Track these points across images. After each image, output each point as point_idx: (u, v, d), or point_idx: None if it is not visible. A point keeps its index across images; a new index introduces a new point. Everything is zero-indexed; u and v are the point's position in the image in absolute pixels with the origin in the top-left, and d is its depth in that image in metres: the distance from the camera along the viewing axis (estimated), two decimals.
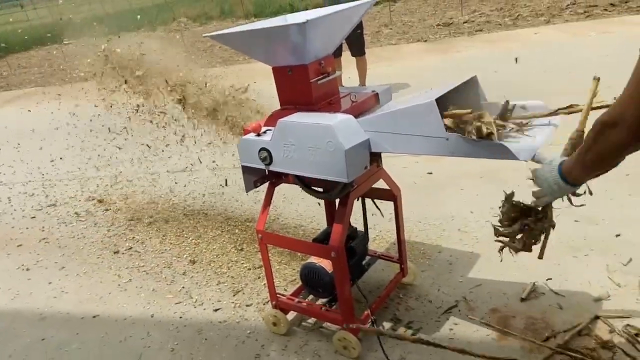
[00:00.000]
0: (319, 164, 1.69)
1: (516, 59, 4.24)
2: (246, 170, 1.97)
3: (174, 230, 3.24)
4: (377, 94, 1.96)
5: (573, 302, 2.10)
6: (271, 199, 2.08)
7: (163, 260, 2.93)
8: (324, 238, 2.14)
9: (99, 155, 4.94)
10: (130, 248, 3.11)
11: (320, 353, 2.05)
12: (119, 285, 2.74)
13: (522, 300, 2.16)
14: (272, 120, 1.90)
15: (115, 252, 3.09)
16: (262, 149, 1.83)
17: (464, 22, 9.24)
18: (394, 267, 2.44)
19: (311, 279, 2.08)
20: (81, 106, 5.50)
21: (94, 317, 2.51)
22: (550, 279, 2.26)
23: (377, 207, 2.19)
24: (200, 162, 4.38)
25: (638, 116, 0.99)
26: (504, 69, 5.59)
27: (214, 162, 4.35)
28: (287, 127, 1.73)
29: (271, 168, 1.84)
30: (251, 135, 1.89)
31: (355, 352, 1.97)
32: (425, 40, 8.36)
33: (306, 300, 2.22)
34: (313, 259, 2.08)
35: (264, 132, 1.89)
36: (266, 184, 2.07)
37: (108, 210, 3.69)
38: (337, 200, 1.91)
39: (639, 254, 2.31)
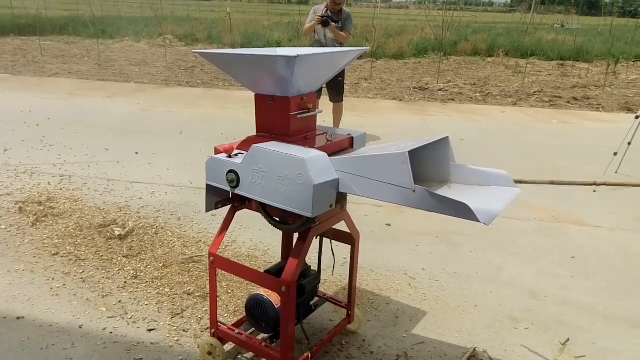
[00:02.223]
0: (286, 194, 1.69)
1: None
2: (210, 189, 1.94)
3: (121, 241, 3.11)
4: (353, 137, 2.00)
5: None
6: (230, 223, 2.05)
7: (104, 270, 2.79)
8: (276, 271, 2.10)
9: (59, 155, 4.77)
10: (71, 252, 2.95)
11: None
12: (52, 289, 2.58)
13: None
14: (245, 144, 1.90)
15: (54, 254, 2.92)
16: (231, 171, 1.82)
17: (439, 90, 9.71)
18: (341, 312, 2.43)
19: (256, 312, 2.02)
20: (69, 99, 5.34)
21: (18, 318, 2.33)
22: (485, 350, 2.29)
23: (332, 249, 2.19)
24: (161, 178, 4.30)
25: None
26: (469, 138, 5.87)
27: (176, 179, 4.28)
28: (260, 153, 1.74)
29: (237, 191, 1.82)
30: (222, 156, 1.87)
31: None
32: (401, 100, 8.70)
33: (247, 332, 2.15)
34: (262, 291, 2.04)
35: (236, 155, 1.88)
36: (227, 208, 2.04)
37: (54, 209, 3.52)
38: (296, 235, 1.90)
39: (576, 335, 2.39)
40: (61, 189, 3.93)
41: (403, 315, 2.52)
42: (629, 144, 4.35)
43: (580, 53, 13.84)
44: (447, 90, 9.64)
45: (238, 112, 6.95)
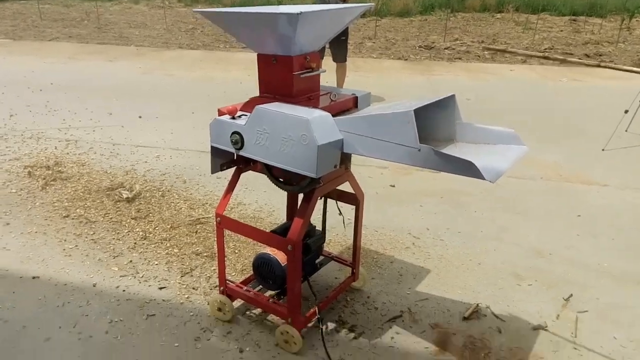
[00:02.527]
0: (290, 155, 1.70)
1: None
2: (215, 151, 1.95)
3: (129, 204, 3.15)
4: (357, 97, 1.98)
5: (512, 328, 2.18)
6: (235, 184, 2.06)
7: (114, 231, 2.84)
8: (282, 231, 2.13)
9: (64, 120, 4.77)
10: (81, 215, 3.00)
11: (261, 344, 2.04)
12: (64, 249, 2.64)
13: (464, 319, 2.23)
14: (249, 106, 1.89)
15: (64, 217, 2.97)
16: (235, 132, 1.82)
17: (445, 48, 9.49)
18: (346, 271, 2.48)
19: (263, 270, 2.07)
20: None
21: (34, 278, 2.40)
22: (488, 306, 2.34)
23: (339, 209, 2.21)
24: (165, 142, 4.31)
25: None
26: (476, 98, 5.78)
27: (180, 142, 4.29)
28: (263, 114, 1.73)
29: (241, 153, 1.83)
30: (225, 117, 1.87)
31: (295, 347, 1.97)
32: (406, 59, 8.54)
33: (254, 290, 2.20)
34: (268, 250, 2.08)
35: (239, 116, 1.88)
36: (232, 170, 2.05)
37: (63, 173, 3.55)
38: (301, 195, 1.92)
39: (579, 291, 2.43)
40: (68, 153, 3.95)
41: (407, 273, 2.57)
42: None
43: (594, 8, 13.37)
44: (453, 49, 9.43)
45: (240, 74, 6.87)
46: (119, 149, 4.11)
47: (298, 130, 1.65)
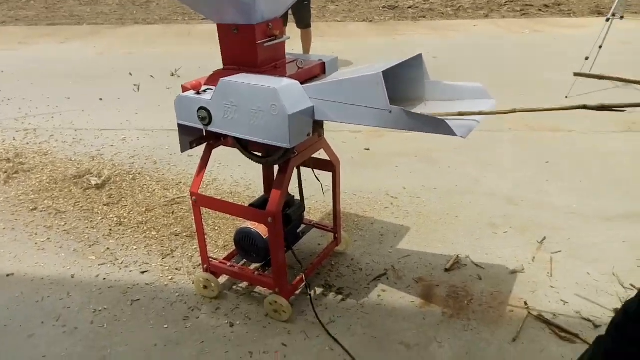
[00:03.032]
0: (261, 127, 1.67)
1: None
2: (182, 129, 1.90)
3: (99, 190, 3.07)
4: (324, 63, 1.95)
5: (491, 274, 2.26)
6: (207, 161, 2.02)
7: (86, 220, 2.78)
8: (260, 204, 2.12)
9: (19, 109, 4.55)
10: (50, 206, 2.91)
11: (251, 316, 2.06)
12: (36, 243, 2.57)
13: (446, 270, 2.29)
14: (213, 79, 1.84)
15: (32, 210, 2.88)
16: (202, 108, 1.77)
17: (409, 7, 9.40)
18: (328, 236, 2.50)
19: (245, 244, 2.07)
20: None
21: (8, 275, 2.33)
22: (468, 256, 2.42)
23: (316, 177, 2.20)
24: (130, 123, 4.18)
25: None
26: (443, 56, 5.78)
27: (146, 122, 4.17)
28: (229, 86, 1.68)
29: (210, 128, 1.79)
30: (190, 93, 1.81)
31: (285, 315, 2.00)
32: (371, 21, 8.43)
33: (239, 265, 2.20)
34: (248, 224, 2.07)
35: (204, 91, 1.82)
36: (203, 146, 2.01)
37: (25, 165, 3.42)
38: (276, 167, 1.90)
39: (551, 234, 2.52)
40: (28, 143, 3.80)
41: (387, 233, 2.61)
42: (600, 47, 4.34)
43: None
44: (417, 7, 9.35)
45: (202, 48, 6.64)
46: (82, 134, 3.96)
47: (267, 101, 1.61)
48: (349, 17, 8.86)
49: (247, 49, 1.79)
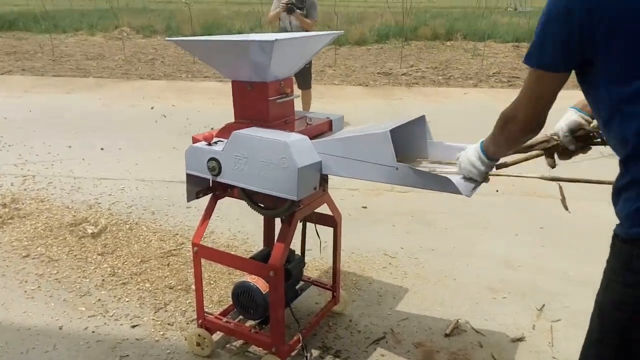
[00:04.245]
0: (270, 179, 1.69)
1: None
2: (190, 179, 1.92)
3: (94, 239, 3.03)
4: (331, 120, 2.01)
5: (492, 341, 2.21)
6: (212, 212, 2.03)
7: (79, 269, 2.71)
8: (261, 258, 2.10)
9: (20, 155, 4.57)
10: (43, 254, 2.85)
11: None
12: (26, 291, 2.49)
13: (446, 335, 2.24)
14: (224, 132, 1.88)
15: (24, 256, 2.81)
16: (212, 158, 1.80)
17: (402, 74, 9.81)
18: (326, 295, 2.45)
19: (244, 299, 2.02)
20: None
21: None
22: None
23: (316, 231, 2.20)
24: (130, 173, 4.20)
25: (528, 115, 1.24)
26: (436, 120, 5.96)
27: (145, 173, 4.19)
28: (241, 139, 1.72)
29: (219, 179, 1.81)
30: (202, 144, 1.85)
31: None
32: (366, 85, 8.75)
33: (235, 321, 2.14)
34: (248, 278, 2.04)
35: (215, 143, 1.86)
36: (204, 198, 2.02)
37: (20, 210, 3.38)
38: (277, 220, 1.90)
39: (550, 300, 2.50)
40: (25, 189, 3.78)
41: (386, 294, 2.57)
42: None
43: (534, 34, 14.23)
44: (410, 75, 9.76)
45: (203, 103, 6.84)
46: (81, 182, 3.96)
47: (277, 154, 1.65)
48: (346, 81, 9.20)
49: (260, 104, 1.85)
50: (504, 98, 7.65)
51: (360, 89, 8.34)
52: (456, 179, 1.51)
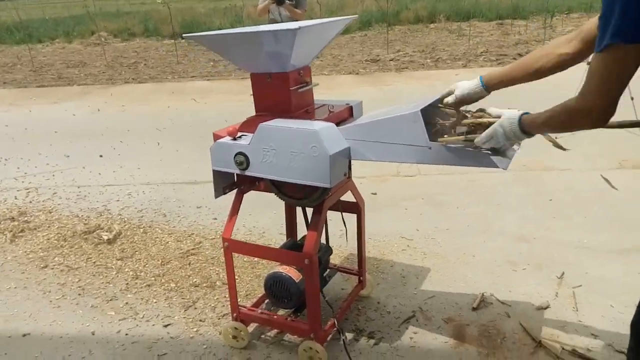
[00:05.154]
0: (301, 169, 1.70)
1: None
2: (217, 175, 1.92)
3: (110, 245, 3.02)
4: (352, 106, 2.03)
5: (518, 311, 2.26)
6: (239, 207, 2.04)
7: (101, 275, 2.71)
8: (289, 248, 2.12)
9: (18, 168, 4.51)
10: (61, 263, 2.83)
11: None
12: (51, 301, 2.48)
13: (474, 309, 2.29)
14: (248, 125, 1.89)
15: (43, 267, 2.80)
16: (239, 153, 1.80)
17: (390, 60, 9.83)
18: (351, 280, 2.49)
19: (277, 289, 2.04)
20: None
21: (24, 335, 2.23)
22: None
23: (343, 220, 2.21)
24: (134, 178, 4.17)
25: (604, 105, 1.19)
26: None
27: (150, 176, 4.17)
28: (268, 131, 1.73)
29: (248, 172, 1.82)
30: (227, 139, 1.85)
31: None
32: (357, 73, 8.76)
33: (268, 311, 2.16)
34: (279, 269, 2.05)
35: (239, 137, 1.87)
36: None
37: (30, 223, 3.35)
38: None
39: (568, 269, 2.56)
40: (31, 201, 3.74)
41: (409, 275, 2.61)
42: None
43: (517, 10, 14.34)
44: (398, 60, 9.78)
45: (195, 104, 6.79)
46: (86, 190, 3.93)
47: (307, 143, 1.66)
48: (335, 70, 9.19)
49: (281, 95, 1.85)
50: None
51: (351, 78, 8.34)
52: (493, 155, 1.54)
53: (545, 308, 2.28)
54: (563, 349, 2.01)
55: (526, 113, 1.48)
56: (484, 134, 1.52)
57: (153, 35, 15.14)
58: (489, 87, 1.71)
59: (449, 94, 1.73)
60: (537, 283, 2.47)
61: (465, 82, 1.73)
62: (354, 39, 12.65)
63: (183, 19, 15.62)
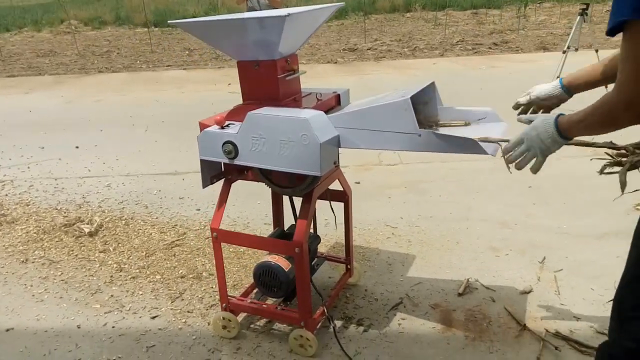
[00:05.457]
0: (290, 157, 1.70)
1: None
2: (205, 164, 1.90)
3: (92, 237, 2.96)
4: (339, 95, 2.02)
5: (503, 295, 2.32)
6: (227, 196, 2.02)
7: (83, 268, 2.65)
8: (278, 237, 2.12)
9: None
10: (42, 256, 2.77)
11: (275, 353, 2.01)
12: (33, 295, 2.42)
13: (459, 295, 2.33)
14: (235, 114, 1.87)
15: (23, 262, 2.72)
16: (227, 142, 1.78)
17: (368, 49, 9.85)
18: (338, 268, 2.50)
19: (266, 278, 2.03)
20: None
21: (7, 330, 2.18)
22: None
23: (332, 208, 2.22)
24: (112, 169, 4.09)
25: None
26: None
27: (129, 168, 4.09)
28: (257, 119, 1.72)
29: (236, 162, 1.80)
30: (214, 128, 1.83)
31: (312, 350, 1.96)
32: (335, 62, 8.74)
33: (257, 300, 2.16)
34: (268, 258, 2.05)
35: (227, 126, 1.84)
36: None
37: (7, 216, 3.25)
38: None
39: (550, 253, 2.63)
40: (7, 194, 3.63)
41: (395, 262, 2.64)
42: (558, 77, 4.70)
43: (491, 0, 14.50)
44: (376, 49, 9.80)
45: (172, 93, 6.68)
46: (63, 182, 3.83)
47: (297, 131, 1.66)
48: (313, 59, 9.16)
49: (269, 83, 1.84)
50: (473, 65, 7.83)
51: (330, 67, 8.33)
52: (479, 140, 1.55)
53: (529, 292, 2.34)
54: (547, 331, 2.07)
55: (561, 114, 1.33)
56: (512, 140, 1.39)
57: (125, 24, 14.78)
58: (570, 89, 1.60)
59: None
60: (520, 268, 2.54)
61: (543, 84, 1.65)
62: (331, 28, 12.61)
63: (156, 8, 15.27)
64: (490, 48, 9.41)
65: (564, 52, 4.70)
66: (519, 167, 1.40)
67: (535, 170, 1.37)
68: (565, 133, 1.30)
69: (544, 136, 1.32)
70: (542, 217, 3.03)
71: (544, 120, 1.33)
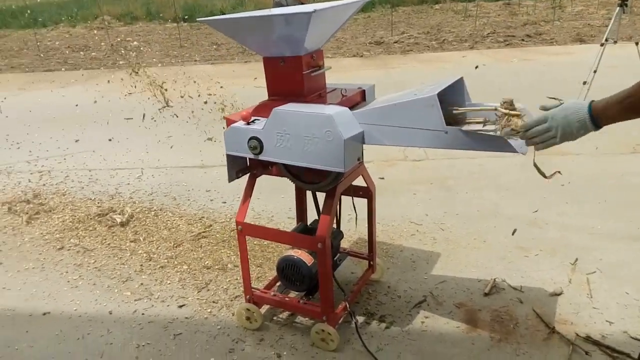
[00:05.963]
0: (315, 153, 1.71)
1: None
2: (231, 159, 1.93)
3: (123, 227, 3.05)
4: (364, 90, 2.02)
5: (531, 297, 2.27)
6: (252, 191, 2.05)
7: (115, 257, 2.75)
8: (301, 232, 2.14)
9: (30, 152, 4.55)
10: (77, 244, 2.88)
11: (297, 346, 2.03)
12: (69, 281, 2.53)
13: (485, 295, 2.30)
14: (261, 110, 1.89)
15: (59, 249, 2.84)
16: (253, 137, 1.81)
17: (394, 42, 9.72)
18: (361, 264, 2.50)
19: (289, 272, 2.06)
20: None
21: (44, 314, 2.29)
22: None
23: (353, 205, 2.22)
24: (143, 162, 4.20)
25: None
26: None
27: (158, 160, 4.20)
28: (283, 115, 1.73)
29: (261, 157, 1.82)
30: (240, 124, 1.86)
31: (333, 344, 1.98)
32: (361, 56, 8.68)
33: (280, 293, 2.19)
34: (291, 252, 2.07)
35: (253, 122, 1.87)
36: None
37: (45, 205, 3.39)
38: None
39: (582, 255, 2.56)
40: (44, 184, 3.78)
41: (419, 259, 2.62)
42: (595, 71, 4.53)
43: None
44: (403, 42, 9.67)
45: (197, 87, 6.76)
46: (97, 174, 3.96)
47: (321, 128, 1.66)
48: (339, 53, 9.11)
49: (294, 79, 1.85)
50: (503, 58, 7.64)
51: (356, 60, 8.28)
52: (511, 140, 1.53)
53: (559, 294, 2.28)
54: (577, 335, 2.02)
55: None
56: (535, 117, 1.32)
57: (155, 19, 15.03)
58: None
59: None
60: (550, 269, 2.48)
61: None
62: (357, 21, 12.49)
63: (185, 2, 15.48)
64: (523, 40, 9.16)
65: (602, 44, 4.52)
66: (532, 143, 1.37)
67: (539, 148, 1.35)
68: (598, 119, 1.22)
69: (572, 118, 1.25)
70: (575, 217, 2.95)
71: (576, 104, 1.26)
